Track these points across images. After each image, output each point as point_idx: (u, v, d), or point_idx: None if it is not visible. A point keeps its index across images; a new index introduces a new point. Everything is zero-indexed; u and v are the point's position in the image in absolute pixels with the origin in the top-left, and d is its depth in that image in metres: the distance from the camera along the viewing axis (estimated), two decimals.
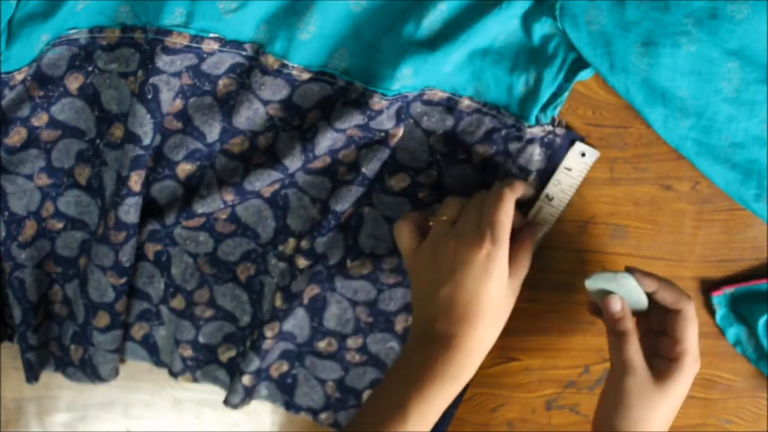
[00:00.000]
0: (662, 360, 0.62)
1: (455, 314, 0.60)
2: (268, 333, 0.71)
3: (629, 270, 0.63)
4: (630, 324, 0.63)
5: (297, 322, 0.72)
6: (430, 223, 0.65)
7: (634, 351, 0.62)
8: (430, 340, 0.61)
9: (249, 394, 0.74)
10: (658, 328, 0.64)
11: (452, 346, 0.60)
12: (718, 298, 0.70)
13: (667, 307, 0.63)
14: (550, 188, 0.68)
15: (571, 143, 0.67)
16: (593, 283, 0.64)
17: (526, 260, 0.63)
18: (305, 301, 0.71)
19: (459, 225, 0.62)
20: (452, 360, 0.60)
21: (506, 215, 0.61)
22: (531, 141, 0.67)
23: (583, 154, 0.67)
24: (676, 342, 0.62)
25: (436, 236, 0.63)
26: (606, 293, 0.64)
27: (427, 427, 0.60)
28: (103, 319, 0.72)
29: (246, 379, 0.72)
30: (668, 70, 0.62)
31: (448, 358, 0.60)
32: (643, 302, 0.64)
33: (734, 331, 0.71)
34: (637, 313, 0.65)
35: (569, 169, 0.68)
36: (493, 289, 0.60)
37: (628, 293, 0.63)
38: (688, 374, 0.62)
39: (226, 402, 0.74)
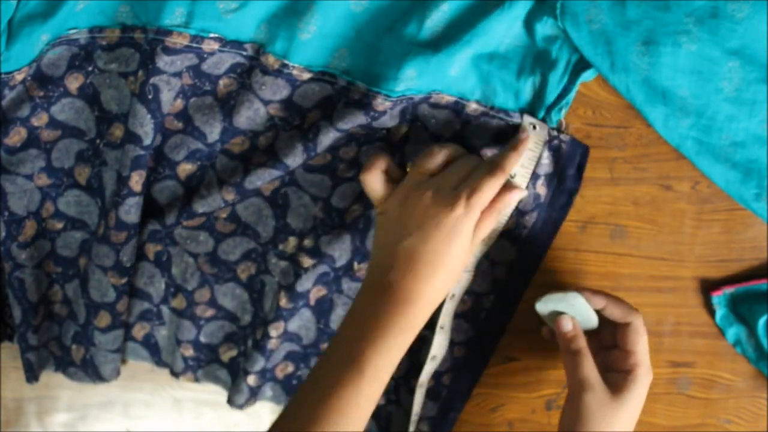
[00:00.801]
0: (616, 373, 0.64)
1: (414, 269, 0.60)
2: (273, 332, 0.70)
3: (577, 290, 0.65)
4: (583, 342, 0.65)
5: (303, 324, 0.72)
6: (407, 168, 0.65)
7: (589, 368, 0.64)
8: (384, 291, 0.61)
9: (254, 394, 0.74)
10: (609, 343, 0.66)
11: (407, 300, 0.60)
12: (718, 298, 0.70)
13: (617, 321, 0.65)
14: None
15: (525, 118, 0.66)
16: (544, 306, 0.67)
17: (490, 224, 0.63)
18: (312, 302, 0.71)
19: (437, 181, 0.62)
20: (406, 312, 0.61)
21: (490, 191, 0.62)
22: None
23: (534, 127, 0.66)
24: (628, 354, 0.64)
25: (410, 186, 0.63)
26: (557, 314, 0.66)
27: (384, 378, 0.60)
28: (104, 319, 0.72)
29: (251, 380, 0.72)
30: (669, 69, 0.62)
31: (402, 311, 0.60)
32: (593, 320, 0.66)
33: (734, 331, 0.71)
34: (589, 331, 0.67)
35: None
36: (455, 249, 0.61)
37: (578, 312, 0.66)
38: (643, 384, 0.64)
39: (230, 402, 0.74)
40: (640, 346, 0.64)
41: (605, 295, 0.65)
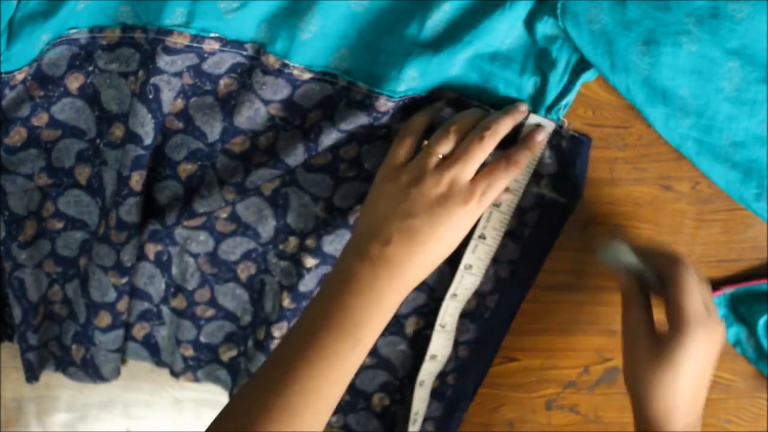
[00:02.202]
0: (668, 332, 0.60)
1: (414, 250, 0.61)
2: (276, 333, 0.71)
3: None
4: (633, 293, 0.62)
5: None
6: (423, 147, 0.64)
7: (632, 321, 0.62)
8: (375, 262, 0.60)
9: None
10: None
11: (405, 278, 0.61)
12: (718, 298, 0.70)
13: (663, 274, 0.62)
14: None
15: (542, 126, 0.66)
16: (608, 255, 0.63)
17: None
18: None
19: (455, 171, 0.61)
20: (400, 290, 0.61)
21: (503, 188, 0.63)
22: None
23: (539, 126, 0.66)
24: (673, 310, 0.60)
25: (423, 166, 0.62)
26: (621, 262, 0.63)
27: (368, 350, 0.60)
28: (104, 319, 0.72)
29: None
30: (669, 69, 0.62)
31: (397, 287, 0.61)
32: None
33: (734, 331, 0.71)
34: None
35: None
36: (456, 239, 0.62)
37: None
38: (690, 342, 0.58)
39: None
40: (681, 293, 0.59)
41: (648, 248, 0.63)
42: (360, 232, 0.63)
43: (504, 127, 0.63)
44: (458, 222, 0.61)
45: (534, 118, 0.66)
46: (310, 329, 0.60)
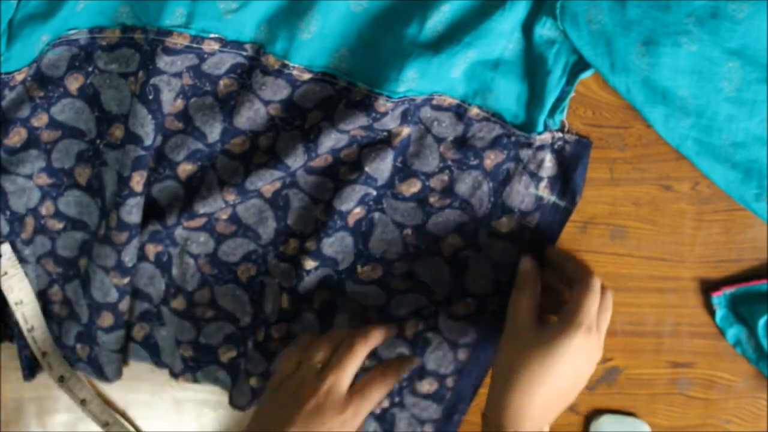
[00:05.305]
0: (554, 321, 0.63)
1: None
2: (275, 334, 0.71)
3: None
4: (530, 285, 0.66)
5: (306, 327, 0.72)
6: (300, 360, 0.66)
7: (526, 309, 0.64)
8: None
9: (256, 395, 0.74)
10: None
11: None
12: (718, 298, 0.70)
13: (572, 279, 0.65)
14: None
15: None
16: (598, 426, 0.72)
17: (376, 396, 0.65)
18: (315, 305, 0.71)
19: (330, 380, 0.63)
20: None
21: (377, 399, 0.64)
22: (541, 147, 0.67)
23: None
24: (570, 305, 0.63)
25: (303, 376, 0.64)
26: None
27: None
28: (107, 319, 0.72)
29: (253, 381, 0.72)
30: (669, 69, 0.62)
31: None
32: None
33: (734, 331, 0.71)
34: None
35: None
36: None
37: None
38: (569, 331, 0.61)
39: (232, 403, 0.74)
40: (583, 299, 0.62)
41: (567, 254, 0.67)
42: None
43: (377, 339, 0.66)
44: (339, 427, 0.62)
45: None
46: None
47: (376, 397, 0.64)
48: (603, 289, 0.65)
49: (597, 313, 0.63)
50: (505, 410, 0.62)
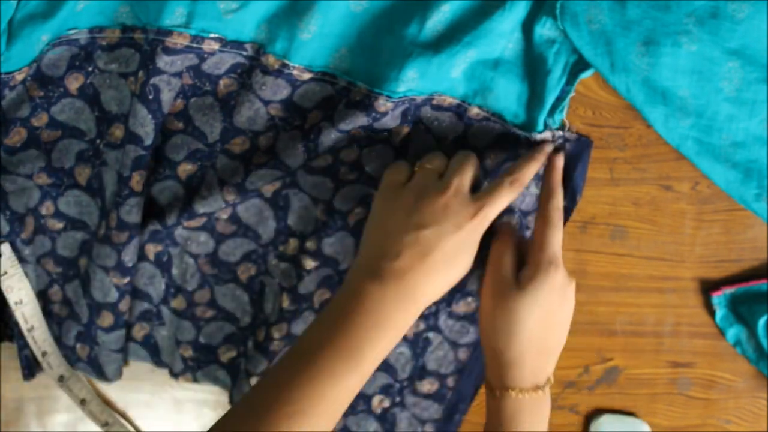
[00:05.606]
0: (527, 267, 0.63)
1: (425, 261, 0.60)
2: (276, 334, 0.71)
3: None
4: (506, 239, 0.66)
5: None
6: (415, 169, 0.65)
7: (505, 263, 0.64)
8: (390, 278, 0.59)
9: None
10: None
11: (415, 292, 0.60)
12: (718, 298, 0.71)
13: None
14: None
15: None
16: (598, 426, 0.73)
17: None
18: (316, 305, 0.71)
19: (455, 184, 0.62)
20: (409, 306, 0.60)
21: (505, 204, 0.62)
22: None
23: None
24: (538, 246, 0.63)
25: (422, 184, 0.63)
26: None
27: (372, 371, 0.60)
28: (107, 319, 0.72)
29: (254, 381, 0.72)
30: (669, 69, 0.62)
31: (407, 303, 0.60)
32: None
33: (734, 331, 0.71)
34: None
35: None
36: (467, 255, 0.61)
37: None
38: (544, 275, 0.62)
39: (232, 403, 0.74)
40: (548, 237, 0.63)
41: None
42: (367, 251, 0.62)
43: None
44: (468, 236, 0.61)
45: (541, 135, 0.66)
46: (310, 348, 0.59)
47: (503, 203, 0.62)
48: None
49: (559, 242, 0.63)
50: (502, 369, 0.62)
